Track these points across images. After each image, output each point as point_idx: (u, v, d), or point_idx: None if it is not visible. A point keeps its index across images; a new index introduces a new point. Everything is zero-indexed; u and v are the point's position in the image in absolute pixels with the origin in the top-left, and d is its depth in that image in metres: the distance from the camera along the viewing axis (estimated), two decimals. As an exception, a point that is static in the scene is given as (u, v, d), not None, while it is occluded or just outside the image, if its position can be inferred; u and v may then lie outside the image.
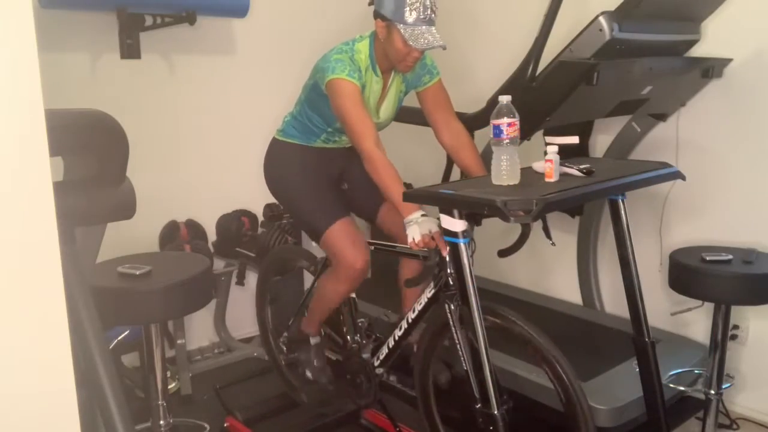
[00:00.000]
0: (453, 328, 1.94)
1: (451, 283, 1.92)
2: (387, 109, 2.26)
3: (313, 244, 2.37)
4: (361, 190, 2.39)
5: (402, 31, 2.00)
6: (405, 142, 3.59)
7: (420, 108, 2.35)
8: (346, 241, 2.20)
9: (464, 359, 1.91)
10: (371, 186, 2.06)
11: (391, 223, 2.34)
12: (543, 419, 2.33)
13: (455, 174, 2.69)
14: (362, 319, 2.42)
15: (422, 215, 1.90)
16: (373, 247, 2.28)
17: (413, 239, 1.88)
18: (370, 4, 2.10)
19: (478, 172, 2.22)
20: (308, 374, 2.49)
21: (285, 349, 2.68)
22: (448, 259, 1.89)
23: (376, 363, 2.31)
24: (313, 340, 2.49)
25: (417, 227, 1.87)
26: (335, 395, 2.53)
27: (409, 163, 3.73)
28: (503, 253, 1.97)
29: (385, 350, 2.27)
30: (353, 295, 2.42)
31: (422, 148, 3.44)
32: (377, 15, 2.07)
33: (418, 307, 2.11)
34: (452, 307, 1.94)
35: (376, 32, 2.11)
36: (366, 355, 2.34)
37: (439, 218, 1.85)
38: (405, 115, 2.46)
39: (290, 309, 2.72)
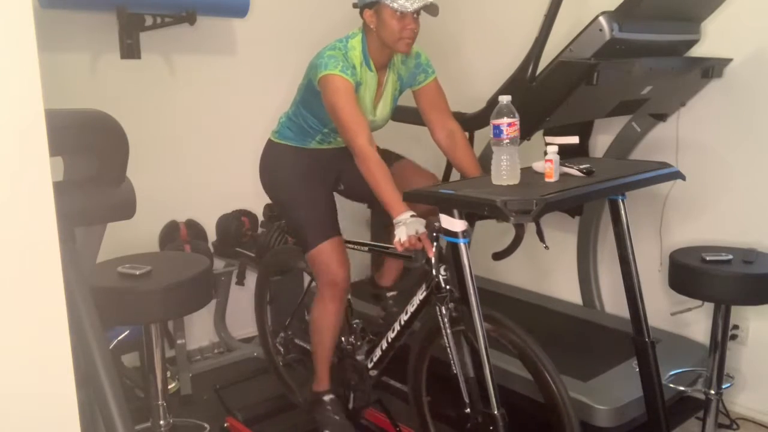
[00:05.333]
0: (444, 331, 1.93)
1: (443, 285, 1.92)
2: (384, 107, 2.25)
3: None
4: (357, 184, 2.31)
5: (389, 3, 1.99)
6: (404, 142, 3.59)
7: None
8: (331, 259, 2.20)
9: (454, 362, 1.91)
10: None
11: None
12: (528, 414, 2.32)
13: (455, 174, 2.69)
14: (356, 321, 2.41)
15: (411, 216, 1.88)
16: (367, 248, 2.28)
17: (399, 240, 1.86)
18: (355, 6, 2.10)
19: (473, 172, 2.21)
20: None
21: (282, 349, 2.67)
22: (433, 261, 1.89)
23: (370, 365, 2.30)
24: (326, 397, 2.35)
25: (404, 228, 1.86)
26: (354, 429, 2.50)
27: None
28: (498, 256, 1.97)
29: (378, 352, 2.26)
30: (348, 296, 2.38)
31: (422, 148, 3.44)
32: (363, 6, 2.06)
33: (411, 309, 2.10)
34: (443, 310, 1.92)
35: (366, 26, 2.10)
36: (360, 357, 2.34)
37: (426, 219, 1.85)
38: (404, 114, 2.46)
39: (290, 309, 2.72)
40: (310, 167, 2.32)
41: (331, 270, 2.20)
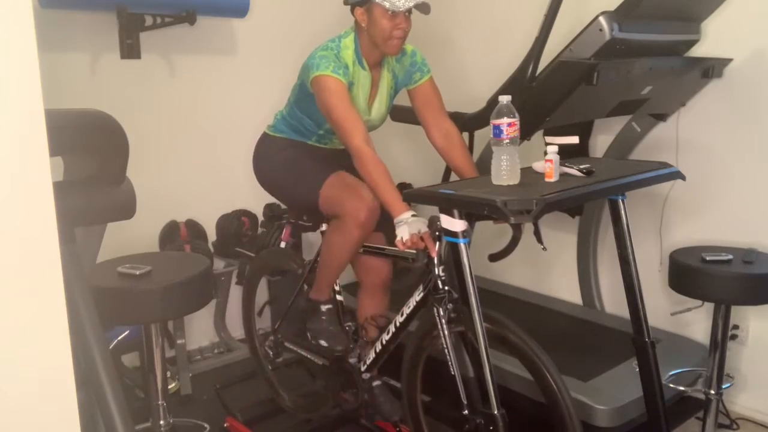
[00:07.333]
0: (442, 332, 1.91)
1: (440, 285, 1.91)
2: (379, 107, 2.24)
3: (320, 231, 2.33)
4: None
5: (381, 1, 1.98)
6: (404, 142, 3.59)
7: None
8: (344, 190, 2.08)
9: (452, 363, 1.89)
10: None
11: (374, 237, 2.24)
12: (528, 414, 2.32)
13: (456, 175, 2.69)
14: (349, 323, 2.38)
15: (412, 215, 1.87)
16: (361, 249, 2.25)
17: (401, 239, 1.84)
18: (346, 3, 2.10)
19: (469, 172, 2.20)
20: (323, 342, 2.27)
21: (271, 353, 2.64)
22: (436, 261, 1.88)
23: (363, 368, 2.28)
24: (324, 307, 2.28)
25: (406, 227, 1.84)
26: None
27: (408, 163, 3.73)
28: (494, 257, 1.97)
29: (372, 354, 2.23)
30: (341, 298, 2.36)
31: (422, 148, 3.45)
32: (354, 4, 2.06)
33: (407, 311, 2.08)
34: (441, 311, 1.91)
35: (357, 25, 2.09)
36: (353, 360, 2.32)
37: (429, 218, 1.85)
38: (404, 114, 2.46)
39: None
40: (305, 152, 2.29)
41: (348, 199, 2.06)
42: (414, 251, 1.92)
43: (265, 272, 2.84)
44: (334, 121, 2.03)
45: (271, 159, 2.34)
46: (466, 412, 1.88)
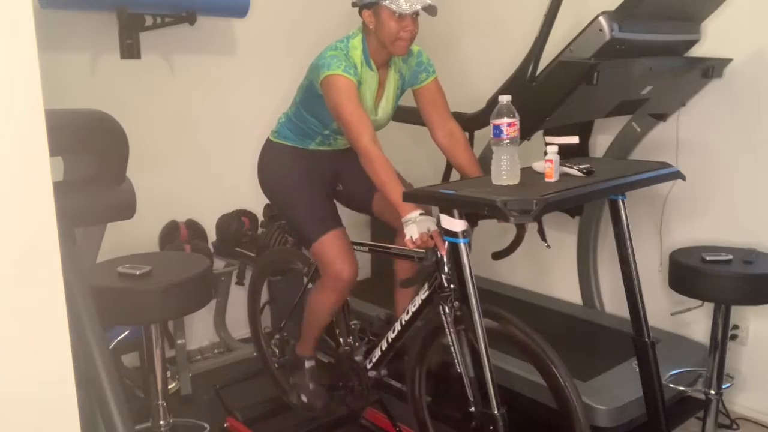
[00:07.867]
0: (447, 330, 1.92)
1: (446, 284, 1.91)
2: (386, 107, 2.24)
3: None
4: (355, 185, 2.36)
5: (388, 4, 1.99)
6: (405, 142, 3.59)
7: None
8: (336, 252, 2.19)
9: (458, 361, 1.90)
10: (365, 179, 2.03)
11: (388, 213, 2.31)
12: (538, 417, 2.33)
13: (455, 174, 2.69)
14: (355, 322, 2.40)
15: (420, 214, 1.88)
16: (367, 248, 2.27)
17: (411, 238, 1.85)
18: (354, 5, 2.10)
19: (473, 172, 2.21)
20: (303, 399, 2.46)
21: (277, 351, 2.66)
22: (445, 259, 1.89)
23: (369, 366, 2.29)
24: (307, 363, 2.45)
25: (415, 226, 1.85)
26: (327, 399, 2.51)
27: (408, 163, 3.73)
28: (497, 256, 1.96)
29: (377, 353, 2.25)
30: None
31: (422, 149, 3.44)
32: (362, 6, 2.07)
33: (412, 309, 2.09)
34: (446, 309, 1.91)
35: (365, 26, 2.10)
36: (358, 358, 2.33)
37: (437, 217, 1.85)
38: (404, 115, 2.46)
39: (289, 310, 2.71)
40: (309, 167, 2.31)
41: (336, 265, 2.19)
42: (422, 250, 1.92)
43: (271, 271, 2.84)
44: (343, 120, 2.03)
45: (276, 175, 2.34)
46: (472, 409, 1.88)
